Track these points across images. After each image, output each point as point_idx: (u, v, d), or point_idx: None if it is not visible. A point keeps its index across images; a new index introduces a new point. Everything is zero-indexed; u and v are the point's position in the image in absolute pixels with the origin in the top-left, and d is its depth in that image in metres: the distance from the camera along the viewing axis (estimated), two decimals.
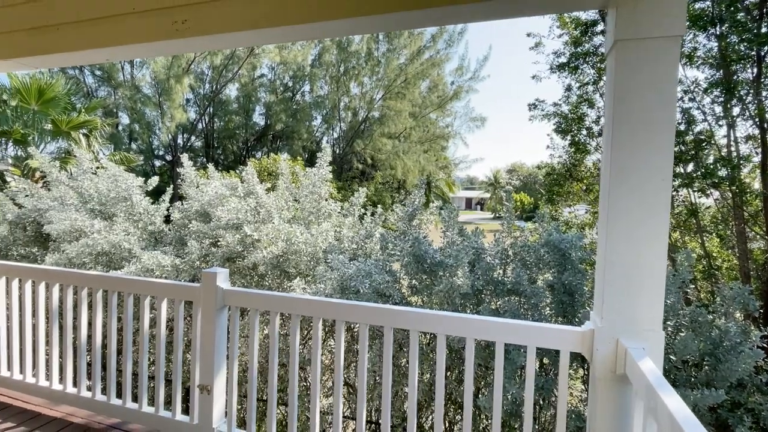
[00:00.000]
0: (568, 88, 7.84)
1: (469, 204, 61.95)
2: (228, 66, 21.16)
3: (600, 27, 7.27)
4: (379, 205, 5.75)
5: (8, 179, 9.44)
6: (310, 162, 17.77)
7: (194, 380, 2.38)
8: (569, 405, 3.48)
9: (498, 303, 3.85)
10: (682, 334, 3.16)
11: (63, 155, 11.26)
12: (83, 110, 11.68)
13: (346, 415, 4.19)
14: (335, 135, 24.14)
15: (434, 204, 5.30)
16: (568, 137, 7.82)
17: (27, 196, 5.95)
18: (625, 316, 1.54)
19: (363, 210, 5.69)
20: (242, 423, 2.64)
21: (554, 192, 8.24)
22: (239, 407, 4.07)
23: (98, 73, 19.45)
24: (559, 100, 7.99)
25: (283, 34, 2.16)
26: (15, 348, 2.96)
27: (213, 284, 2.29)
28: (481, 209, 61.13)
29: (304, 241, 4.67)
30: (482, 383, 3.70)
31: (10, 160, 10.73)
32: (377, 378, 3.83)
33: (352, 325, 3.99)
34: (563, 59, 7.76)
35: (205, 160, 21.30)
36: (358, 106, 23.24)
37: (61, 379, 2.82)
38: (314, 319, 2.16)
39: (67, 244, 4.97)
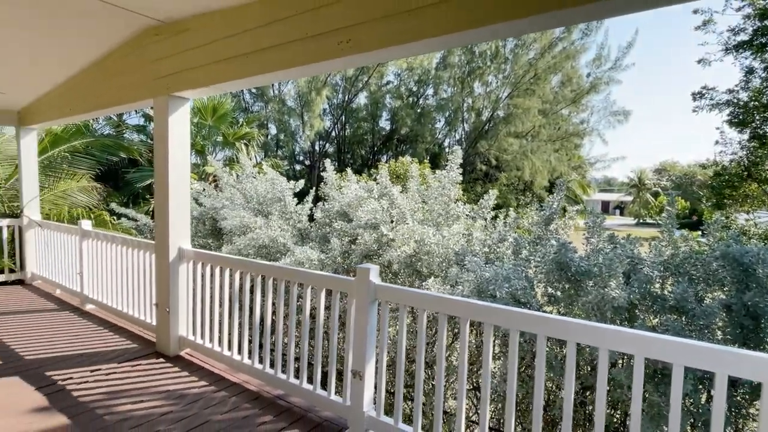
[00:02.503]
0: (749, 71, 6.53)
1: (605, 208, 55.62)
2: (359, 76, 22.61)
3: None
4: (511, 209, 5.56)
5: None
6: (433, 164, 17.96)
7: (347, 366, 2.63)
8: None
9: (655, 321, 3.42)
10: None
11: (228, 162, 13.33)
12: (244, 123, 13.70)
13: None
14: (457, 136, 23.99)
15: (574, 208, 4.92)
16: (747, 130, 6.52)
17: (206, 196, 7.21)
18: None
19: (492, 213, 5.57)
20: (388, 411, 2.82)
21: (725, 195, 6.94)
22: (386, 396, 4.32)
23: (254, 90, 22.52)
24: (736, 86, 6.71)
25: (429, 45, 2.25)
26: (206, 321, 3.62)
27: (366, 279, 2.49)
28: (621, 214, 54.41)
29: (436, 243, 4.76)
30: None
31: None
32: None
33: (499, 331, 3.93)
34: (744, 36, 6.48)
35: (337, 164, 23.09)
36: (483, 106, 22.72)
37: (239, 351, 3.36)
38: (461, 321, 2.20)
39: (237, 237, 5.88)
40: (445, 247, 4.76)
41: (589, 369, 3.60)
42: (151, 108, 4.08)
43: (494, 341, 3.96)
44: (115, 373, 3.37)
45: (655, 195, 43.67)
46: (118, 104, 4.17)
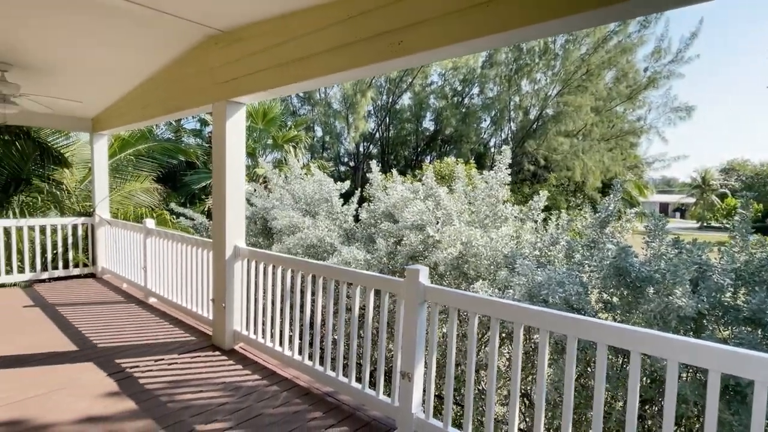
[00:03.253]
0: None
1: (664, 210, 52.04)
2: (403, 78, 22.64)
3: None
4: (562, 210, 5.35)
5: None
6: (479, 164, 17.64)
7: (396, 367, 2.63)
8: None
9: (726, 333, 3.17)
10: None
11: (277, 164, 13.80)
12: (292, 126, 14.14)
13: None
14: (503, 136, 23.41)
15: (631, 211, 4.65)
16: None
17: (257, 197, 7.49)
18: None
19: (542, 214, 5.38)
20: (437, 414, 2.79)
21: None
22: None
23: (301, 95, 23.16)
24: None
25: (482, 44, 2.20)
26: (259, 317, 3.76)
27: (416, 280, 2.49)
28: (682, 216, 50.82)
29: (484, 245, 4.67)
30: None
31: None
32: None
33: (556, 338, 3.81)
34: None
35: (380, 165, 23.22)
36: (531, 105, 22.04)
37: (290, 347, 3.46)
38: (515, 325, 2.15)
39: (286, 236, 6.06)
40: (493, 250, 4.65)
41: (648, 381, 3.39)
42: (209, 113, 4.29)
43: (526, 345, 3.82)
44: (176, 363, 3.58)
45: (722, 197, 40.37)
46: (180, 110, 4.43)
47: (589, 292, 3.67)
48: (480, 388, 4.47)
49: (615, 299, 3.53)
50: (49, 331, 4.21)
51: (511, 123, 22.76)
